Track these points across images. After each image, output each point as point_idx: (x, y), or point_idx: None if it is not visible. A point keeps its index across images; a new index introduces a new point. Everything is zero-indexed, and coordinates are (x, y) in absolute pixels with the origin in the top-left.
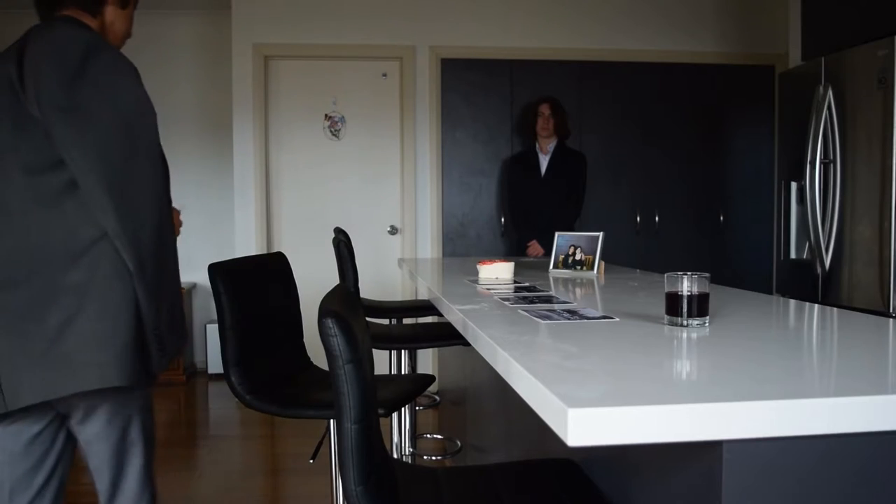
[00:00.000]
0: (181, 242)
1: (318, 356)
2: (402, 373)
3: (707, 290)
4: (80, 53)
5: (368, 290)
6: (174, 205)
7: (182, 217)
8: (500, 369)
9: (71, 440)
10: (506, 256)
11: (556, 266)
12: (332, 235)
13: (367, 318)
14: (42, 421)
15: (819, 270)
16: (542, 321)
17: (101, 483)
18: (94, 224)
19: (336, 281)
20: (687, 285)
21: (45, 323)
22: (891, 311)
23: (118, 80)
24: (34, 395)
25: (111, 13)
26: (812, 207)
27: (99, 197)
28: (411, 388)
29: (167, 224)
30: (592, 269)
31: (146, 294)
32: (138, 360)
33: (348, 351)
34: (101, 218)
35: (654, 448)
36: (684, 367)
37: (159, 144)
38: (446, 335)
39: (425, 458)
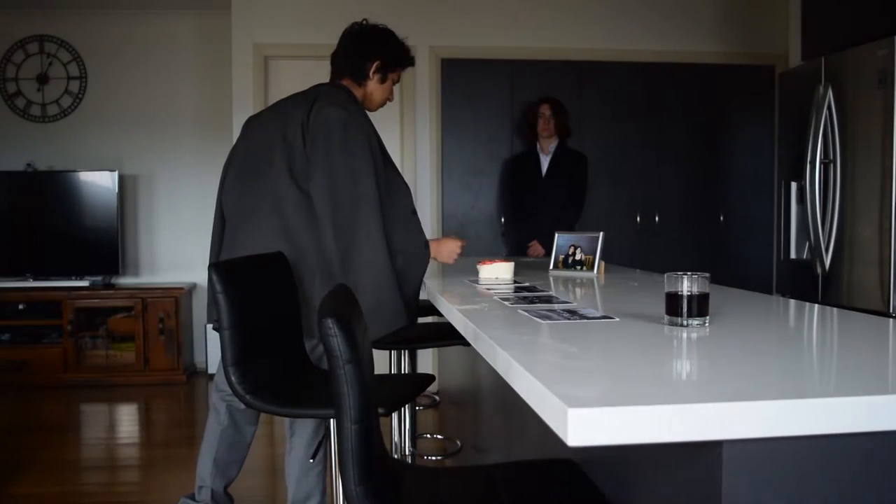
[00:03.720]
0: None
1: None
2: (402, 373)
3: (707, 290)
4: (342, 126)
5: None
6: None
7: (458, 245)
8: (500, 369)
9: None
10: (506, 256)
11: (556, 266)
12: None
13: None
14: None
15: (819, 270)
16: (543, 321)
17: None
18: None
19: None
20: (687, 285)
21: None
22: (891, 311)
23: (357, 149)
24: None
25: (371, 86)
26: (812, 207)
27: (325, 225)
28: (411, 388)
29: (375, 246)
30: (592, 269)
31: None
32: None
33: (348, 351)
34: (322, 236)
35: (654, 448)
36: (684, 367)
37: (394, 181)
38: (446, 335)
39: (425, 458)
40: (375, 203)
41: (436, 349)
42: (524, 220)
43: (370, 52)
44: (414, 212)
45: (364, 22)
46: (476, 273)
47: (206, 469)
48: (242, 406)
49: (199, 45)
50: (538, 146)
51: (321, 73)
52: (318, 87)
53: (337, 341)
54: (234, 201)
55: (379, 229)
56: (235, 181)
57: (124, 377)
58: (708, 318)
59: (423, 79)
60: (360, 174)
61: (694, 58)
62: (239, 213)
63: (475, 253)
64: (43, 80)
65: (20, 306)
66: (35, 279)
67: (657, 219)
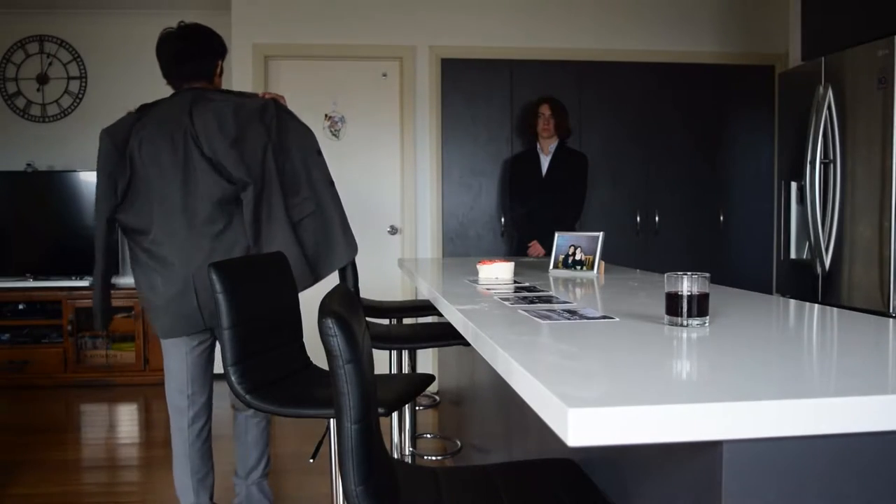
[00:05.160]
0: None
1: (318, 356)
2: (403, 373)
3: (707, 290)
4: (232, 115)
5: (368, 290)
6: None
7: None
8: (500, 369)
9: None
10: (506, 256)
11: (556, 266)
12: None
13: (367, 318)
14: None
15: (819, 270)
16: (543, 321)
17: None
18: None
19: (336, 281)
20: (687, 285)
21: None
22: (891, 311)
23: (249, 131)
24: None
25: (217, 82)
26: (812, 207)
27: (247, 201)
28: (411, 387)
29: (279, 222)
30: (592, 269)
31: None
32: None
33: (348, 351)
34: (244, 211)
35: (654, 448)
36: (684, 367)
37: (308, 159)
38: (446, 335)
39: (425, 458)
40: (275, 180)
41: (436, 349)
42: (524, 220)
43: (215, 52)
44: (319, 152)
45: (181, 24)
46: (476, 273)
47: (188, 488)
48: (201, 423)
49: None
50: (538, 146)
51: (321, 72)
52: (182, 95)
53: (337, 341)
54: (156, 230)
55: (280, 208)
56: (149, 214)
57: (124, 377)
58: (708, 318)
59: (423, 79)
60: (258, 152)
61: (694, 58)
62: (168, 238)
63: (475, 253)
64: (43, 80)
65: (20, 306)
66: (35, 279)
67: (657, 219)
